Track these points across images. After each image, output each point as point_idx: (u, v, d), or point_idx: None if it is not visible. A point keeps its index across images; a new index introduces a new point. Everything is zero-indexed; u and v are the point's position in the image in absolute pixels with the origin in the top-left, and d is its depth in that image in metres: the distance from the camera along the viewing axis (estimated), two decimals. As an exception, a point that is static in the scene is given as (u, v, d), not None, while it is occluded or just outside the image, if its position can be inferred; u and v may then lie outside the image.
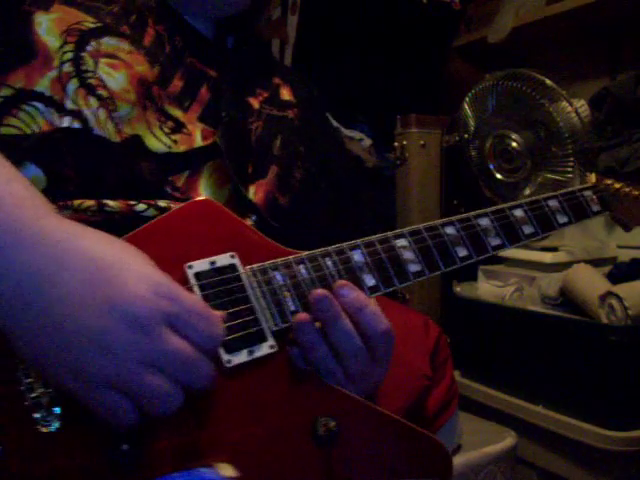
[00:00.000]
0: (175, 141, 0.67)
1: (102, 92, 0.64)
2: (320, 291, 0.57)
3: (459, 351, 1.30)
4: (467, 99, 1.69)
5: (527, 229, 0.74)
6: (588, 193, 0.82)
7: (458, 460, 1.10)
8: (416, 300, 1.78)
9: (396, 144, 1.86)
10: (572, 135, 1.49)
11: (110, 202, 0.61)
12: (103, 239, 0.50)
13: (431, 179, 1.85)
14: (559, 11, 1.70)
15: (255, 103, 0.78)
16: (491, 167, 1.70)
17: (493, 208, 0.73)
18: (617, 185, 0.84)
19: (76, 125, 0.63)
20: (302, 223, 0.77)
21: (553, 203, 0.78)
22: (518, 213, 0.74)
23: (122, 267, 0.47)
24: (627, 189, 0.85)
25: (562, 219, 0.78)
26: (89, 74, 0.64)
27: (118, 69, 0.66)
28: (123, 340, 0.45)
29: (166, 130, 0.67)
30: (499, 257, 1.66)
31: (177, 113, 0.69)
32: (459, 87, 2.00)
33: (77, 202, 0.60)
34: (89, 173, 0.63)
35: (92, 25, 0.67)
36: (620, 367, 1.25)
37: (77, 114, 0.63)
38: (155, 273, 0.49)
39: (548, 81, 1.51)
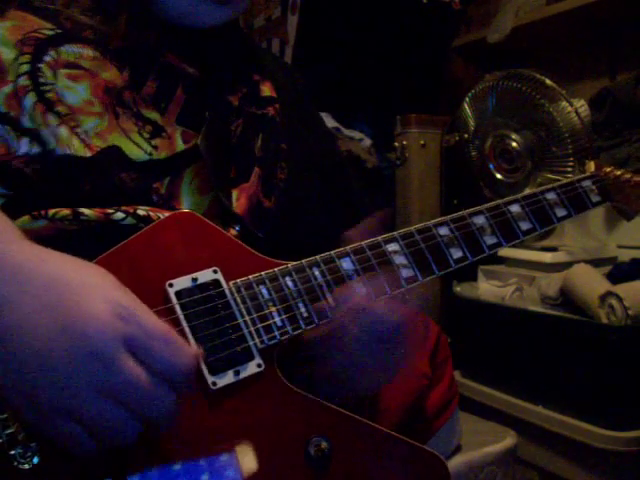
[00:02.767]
0: (155, 147, 0.63)
1: (61, 108, 0.59)
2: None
3: (459, 351, 1.30)
4: (467, 99, 1.69)
5: (524, 225, 0.71)
6: (587, 183, 0.78)
7: (458, 460, 1.10)
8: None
9: (396, 144, 1.86)
10: (572, 135, 1.49)
11: (86, 211, 0.58)
12: (68, 262, 0.47)
13: (431, 179, 1.85)
14: (559, 11, 1.70)
15: (234, 101, 0.73)
16: (491, 167, 1.70)
17: (488, 205, 0.70)
18: (617, 172, 0.81)
19: (35, 150, 0.58)
20: (290, 226, 0.74)
21: (551, 196, 0.74)
22: (515, 209, 0.71)
23: (83, 289, 0.45)
24: (628, 176, 0.81)
25: (561, 212, 0.74)
26: (48, 87, 0.59)
27: (80, 80, 0.61)
28: (75, 366, 0.42)
29: (145, 135, 0.63)
30: (499, 257, 1.66)
31: (154, 116, 0.64)
32: (459, 87, 2.00)
33: (52, 211, 0.57)
34: (61, 189, 0.59)
35: (50, 32, 0.61)
36: (620, 367, 1.25)
37: (35, 134, 0.58)
38: (119, 295, 0.45)
39: (548, 81, 1.51)
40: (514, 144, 1.62)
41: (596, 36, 1.81)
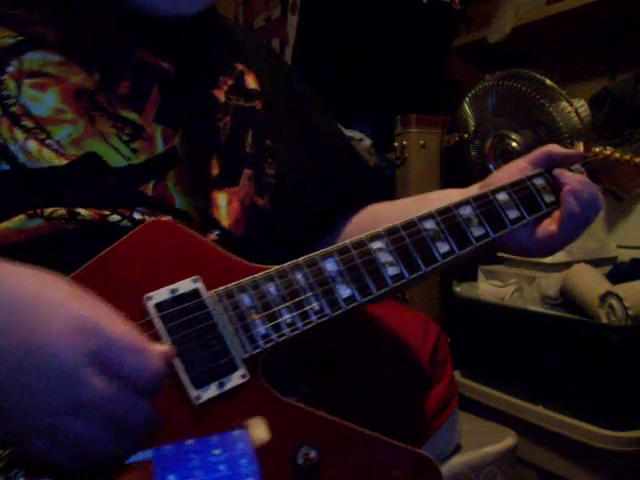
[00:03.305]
0: (134, 150, 0.60)
1: (27, 122, 0.57)
2: None
3: (459, 351, 1.30)
4: (467, 99, 1.69)
5: (512, 213, 0.68)
6: (577, 167, 0.75)
7: (458, 460, 1.10)
8: (416, 300, 1.78)
9: (396, 144, 1.86)
10: (572, 135, 1.49)
11: (82, 211, 0.56)
12: (25, 277, 0.45)
13: (431, 179, 1.85)
14: (559, 11, 1.70)
15: (220, 95, 0.69)
16: (491, 167, 1.69)
17: (475, 194, 0.67)
18: (607, 152, 0.78)
19: (4, 167, 0.56)
20: (287, 223, 0.72)
21: (538, 182, 0.71)
22: (501, 197, 0.68)
23: (43, 306, 0.43)
24: (617, 155, 0.78)
25: (549, 198, 0.71)
26: (11, 100, 0.57)
27: (47, 88, 0.58)
28: (43, 387, 0.42)
29: (125, 138, 0.60)
30: (499, 257, 1.66)
31: (133, 116, 0.61)
32: (459, 87, 2.00)
33: (48, 210, 0.56)
34: (42, 201, 0.57)
35: (12, 41, 0.58)
36: (620, 367, 1.25)
37: (3, 149, 0.56)
38: (80, 307, 0.44)
39: (548, 81, 1.51)
40: (514, 144, 1.62)
41: (596, 36, 1.81)
